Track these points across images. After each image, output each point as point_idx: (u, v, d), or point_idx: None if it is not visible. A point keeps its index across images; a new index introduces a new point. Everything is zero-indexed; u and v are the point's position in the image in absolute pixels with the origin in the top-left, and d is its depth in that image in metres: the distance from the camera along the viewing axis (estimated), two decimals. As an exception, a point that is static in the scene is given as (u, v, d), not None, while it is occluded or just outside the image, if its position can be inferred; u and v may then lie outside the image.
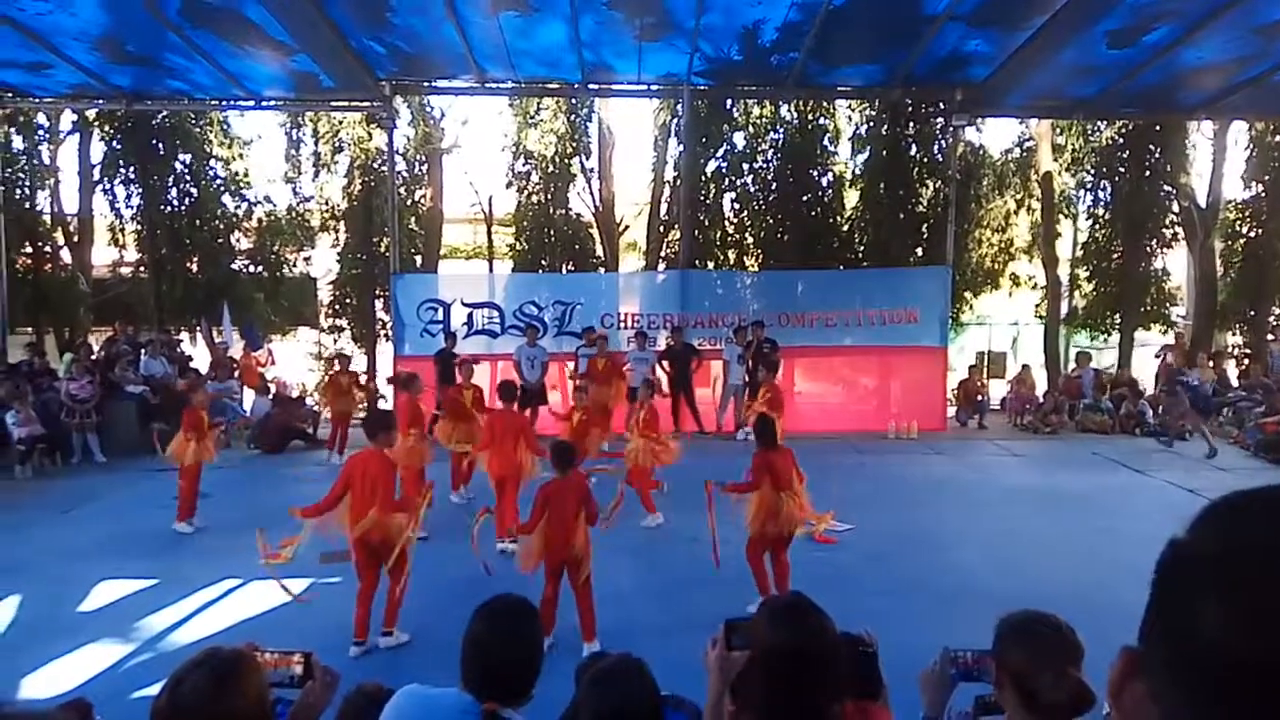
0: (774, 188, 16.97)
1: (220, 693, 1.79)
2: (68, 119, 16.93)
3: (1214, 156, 17.15)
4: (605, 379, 11.50)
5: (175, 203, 16.68)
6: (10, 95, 13.53)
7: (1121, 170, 16.87)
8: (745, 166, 17.16)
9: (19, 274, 15.82)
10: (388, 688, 2.21)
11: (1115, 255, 17.19)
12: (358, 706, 2.36)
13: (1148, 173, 16.61)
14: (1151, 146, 16.44)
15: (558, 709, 2.46)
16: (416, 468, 7.83)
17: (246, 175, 17.68)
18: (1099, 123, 16.89)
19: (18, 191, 16.15)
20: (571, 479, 5.50)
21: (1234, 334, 17.58)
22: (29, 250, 16.65)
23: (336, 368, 12.22)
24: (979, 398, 14.65)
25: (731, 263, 17.17)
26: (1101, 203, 17.61)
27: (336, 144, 17.54)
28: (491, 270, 19.44)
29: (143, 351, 13.27)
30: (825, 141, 17.19)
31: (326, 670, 2.18)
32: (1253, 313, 16.73)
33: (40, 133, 16.92)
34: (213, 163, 17.11)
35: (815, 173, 17.00)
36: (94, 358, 12.97)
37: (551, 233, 17.38)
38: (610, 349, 12.68)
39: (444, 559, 6.68)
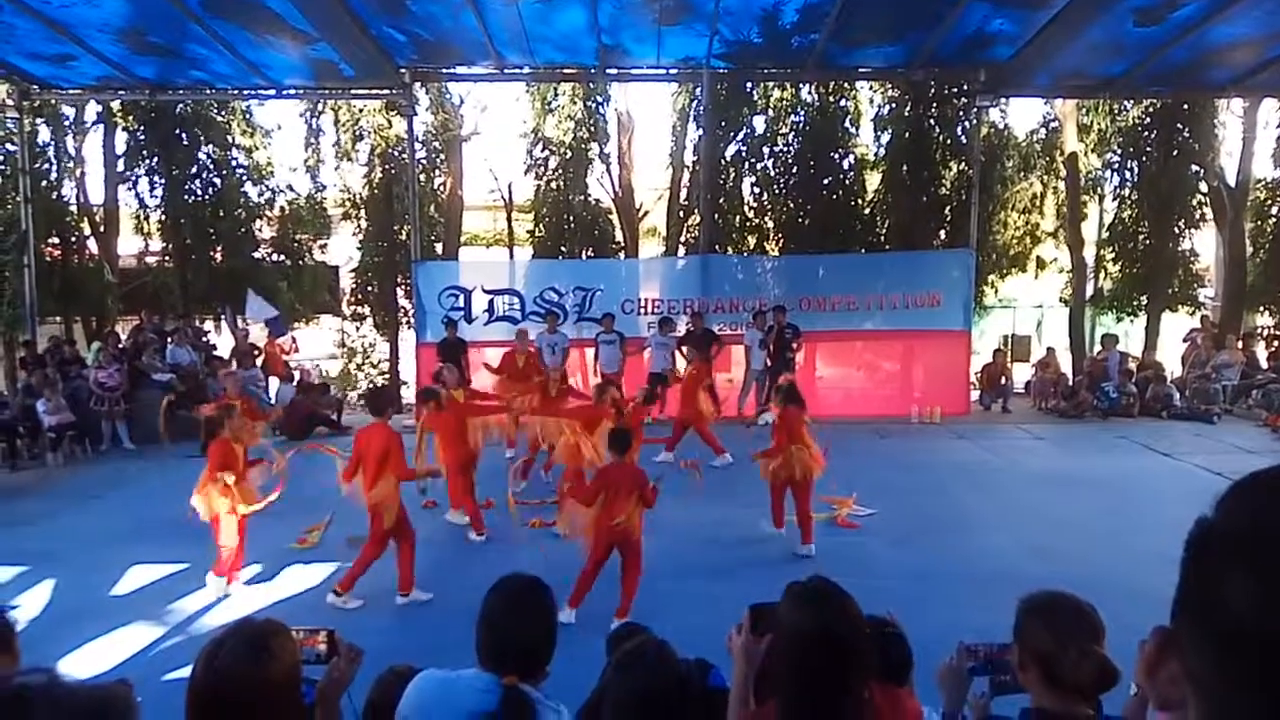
0: (794, 171, 16.84)
1: (257, 658, 1.84)
2: (92, 110, 17.09)
3: (1244, 135, 16.85)
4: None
5: (199, 192, 16.81)
6: (36, 88, 13.68)
7: (1149, 150, 16.59)
8: (765, 150, 17.03)
9: (47, 264, 16.03)
10: (419, 668, 2.24)
11: (1142, 236, 16.93)
12: (389, 685, 2.39)
13: (1175, 152, 16.32)
14: (1179, 125, 16.15)
15: (582, 688, 2.47)
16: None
17: (269, 164, 17.80)
18: (1125, 102, 16.62)
19: (44, 182, 16.34)
20: (628, 463, 5.83)
21: (1263, 315, 17.30)
22: (56, 241, 16.87)
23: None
24: (1003, 381, 14.53)
25: (752, 247, 17.09)
26: (1128, 183, 17.31)
27: (357, 132, 17.60)
28: (512, 257, 19.48)
29: (169, 340, 13.43)
30: (846, 124, 17.02)
31: (350, 646, 2.22)
32: (1283, 293, 16.46)
33: (66, 124, 17.09)
34: (235, 152, 17.23)
35: (836, 155, 16.84)
36: (121, 346, 13.14)
37: (571, 219, 17.37)
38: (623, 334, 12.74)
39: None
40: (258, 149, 17.60)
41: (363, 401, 6.28)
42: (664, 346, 12.73)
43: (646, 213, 20.64)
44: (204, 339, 14.78)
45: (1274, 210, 16.74)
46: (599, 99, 17.40)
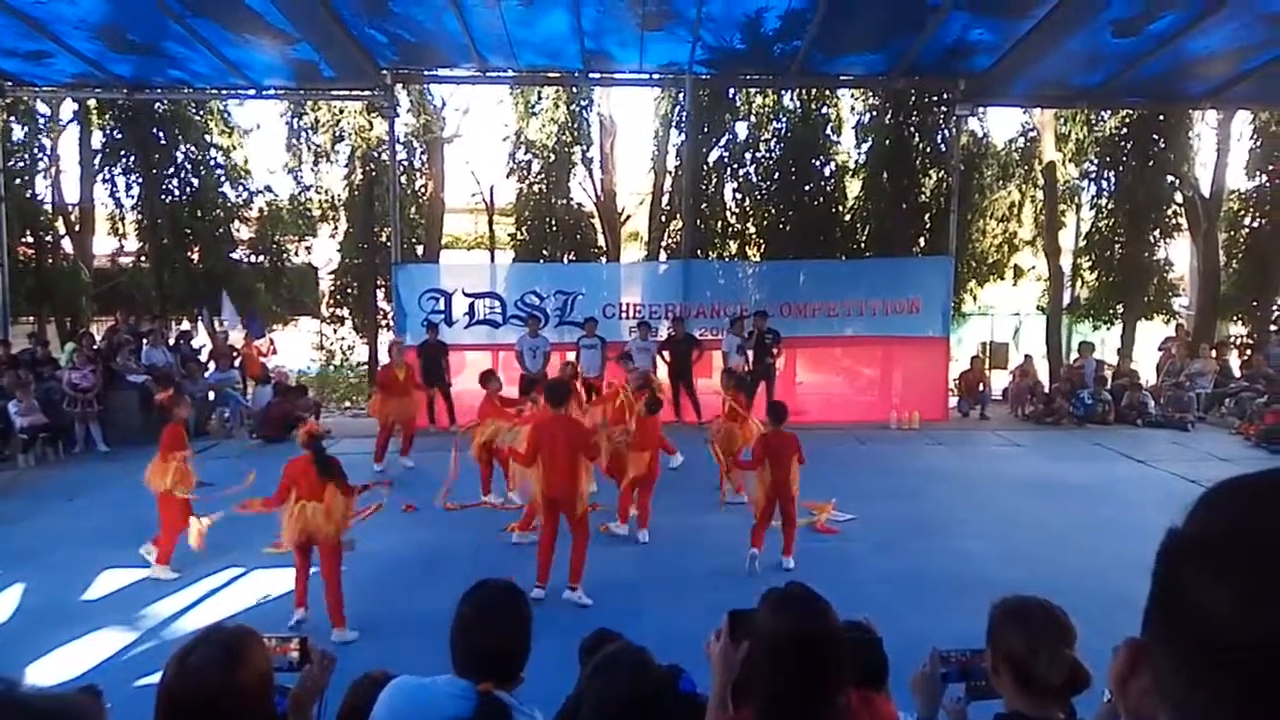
0: (776, 177, 16.92)
1: (228, 665, 1.80)
2: (68, 108, 16.89)
3: (1218, 146, 17.12)
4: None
5: (176, 192, 16.67)
6: (10, 84, 13.50)
7: (1125, 160, 16.79)
8: (747, 156, 17.12)
9: (21, 263, 15.80)
10: (393, 674, 2.22)
11: (1118, 245, 17.13)
12: (365, 693, 2.37)
13: (1151, 162, 16.52)
14: (1155, 136, 16.38)
15: (556, 694, 2.46)
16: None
17: (247, 165, 17.68)
18: (1103, 112, 16.82)
19: (18, 180, 16.12)
20: (785, 432, 6.67)
21: (1236, 324, 17.54)
22: (30, 240, 16.65)
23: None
24: (981, 388, 14.62)
25: (733, 253, 17.15)
26: (1105, 192, 17.52)
27: (337, 133, 17.50)
28: (493, 260, 19.43)
29: (144, 341, 13.28)
30: (828, 131, 17.14)
31: (323, 654, 2.20)
32: (1255, 303, 16.69)
33: (41, 122, 16.88)
34: (213, 152, 17.09)
35: (818, 162, 16.95)
36: (95, 347, 12.97)
37: (553, 222, 17.36)
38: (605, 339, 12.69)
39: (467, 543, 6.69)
40: (236, 149, 17.47)
41: (542, 395, 6.74)
42: (644, 352, 12.71)
43: (628, 217, 20.65)
44: (189, 341, 14.58)
45: (1247, 221, 16.99)
46: (582, 103, 17.40)
